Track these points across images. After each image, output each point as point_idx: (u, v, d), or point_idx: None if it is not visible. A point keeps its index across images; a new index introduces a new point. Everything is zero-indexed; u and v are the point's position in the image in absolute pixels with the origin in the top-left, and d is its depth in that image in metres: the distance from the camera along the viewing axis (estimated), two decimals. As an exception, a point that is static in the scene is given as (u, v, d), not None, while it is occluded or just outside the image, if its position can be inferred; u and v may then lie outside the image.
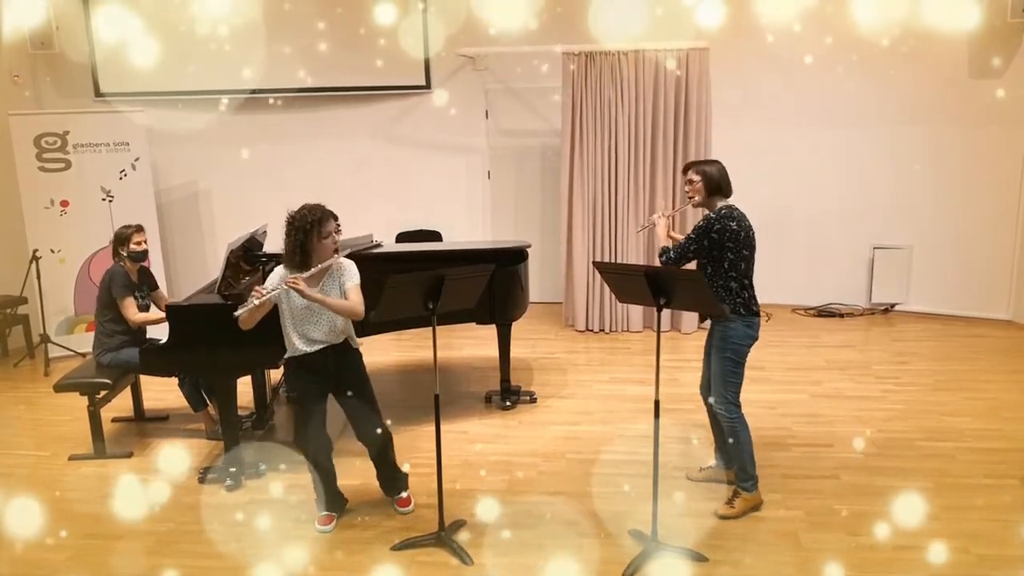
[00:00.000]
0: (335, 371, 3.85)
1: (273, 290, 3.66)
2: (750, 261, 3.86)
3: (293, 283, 3.58)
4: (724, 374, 3.88)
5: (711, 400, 3.98)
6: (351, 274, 3.80)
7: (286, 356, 3.87)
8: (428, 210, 7.78)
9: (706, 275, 3.83)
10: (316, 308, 3.72)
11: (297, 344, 3.79)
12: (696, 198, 3.90)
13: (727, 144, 6.92)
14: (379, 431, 3.97)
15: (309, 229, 3.65)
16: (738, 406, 3.91)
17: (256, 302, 3.61)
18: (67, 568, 3.69)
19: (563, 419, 5.24)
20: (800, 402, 5.40)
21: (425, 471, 4.33)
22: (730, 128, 7.09)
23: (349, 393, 3.89)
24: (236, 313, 3.67)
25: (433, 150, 7.78)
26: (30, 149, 6.57)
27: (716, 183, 3.87)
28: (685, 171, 3.98)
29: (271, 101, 7.58)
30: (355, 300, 3.74)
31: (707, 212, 3.90)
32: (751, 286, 3.87)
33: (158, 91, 7.45)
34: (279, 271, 3.77)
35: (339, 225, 3.78)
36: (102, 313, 4.84)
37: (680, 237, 4.06)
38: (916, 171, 7.20)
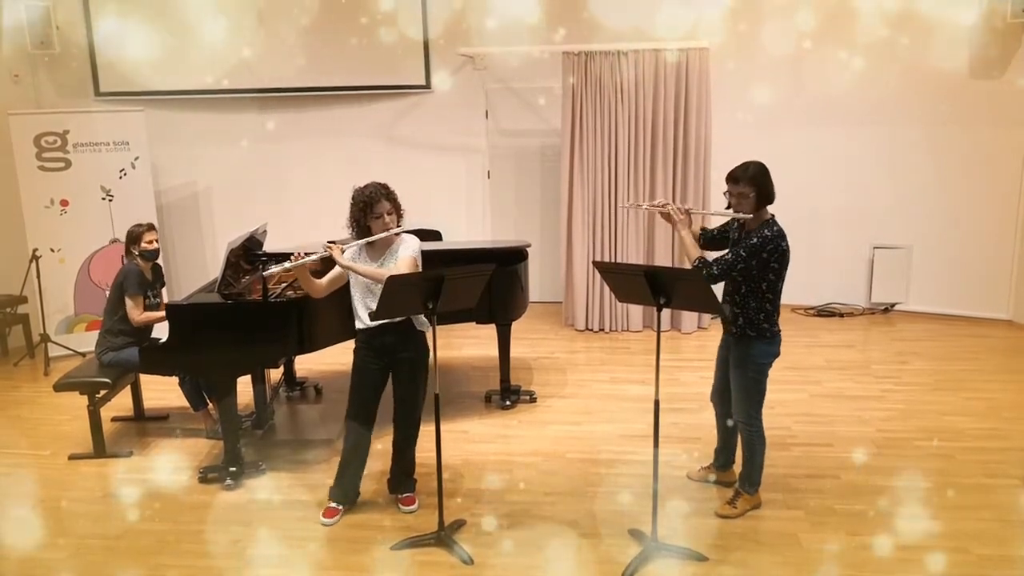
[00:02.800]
0: (393, 349, 3.90)
1: (308, 255, 3.78)
2: (783, 280, 3.75)
3: (328, 248, 3.73)
4: (747, 390, 3.82)
5: (734, 415, 3.93)
6: (408, 246, 3.88)
7: (356, 328, 3.95)
8: (428, 209, 7.75)
9: (738, 293, 3.72)
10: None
11: (362, 316, 3.87)
12: (743, 210, 3.64)
13: (726, 143, 6.92)
14: (410, 419, 4.04)
15: (363, 208, 3.78)
16: (760, 419, 3.88)
17: (287, 264, 3.74)
18: (67, 567, 3.69)
19: (563, 419, 5.24)
20: (800, 402, 5.40)
21: (425, 470, 4.32)
22: (730, 127, 7.09)
23: (401, 373, 3.96)
24: (266, 272, 3.83)
25: (433, 150, 7.78)
26: (30, 148, 6.57)
27: (767, 194, 3.64)
28: (733, 181, 3.65)
29: (271, 101, 7.58)
30: (398, 267, 3.78)
31: (754, 221, 3.69)
32: (778, 305, 3.78)
33: (158, 90, 7.45)
34: (353, 245, 3.87)
35: (397, 207, 3.85)
36: (113, 311, 4.84)
37: (696, 231, 3.96)
38: (916, 171, 7.20)
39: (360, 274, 3.78)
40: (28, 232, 6.62)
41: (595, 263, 4.04)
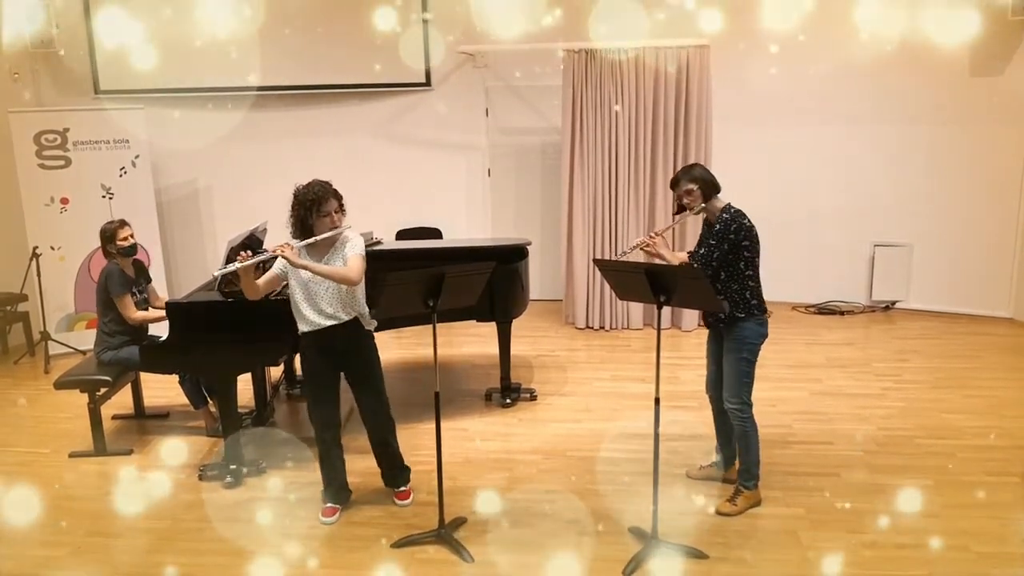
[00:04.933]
0: (343, 350, 3.88)
1: (261, 254, 3.72)
2: (759, 258, 3.86)
3: (281, 249, 3.63)
4: (740, 375, 3.86)
5: (726, 401, 3.95)
6: (354, 244, 3.82)
7: (300, 331, 3.89)
8: (428, 207, 7.77)
9: (719, 281, 3.79)
10: (320, 278, 3.75)
11: (308, 316, 3.81)
12: (696, 206, 3.83)
13: (727, 142, 6.92)
14: (381, 417, 4.03)
15: (309, 206, 3.71)
16: (751, 406, 3.91)
17: (238, 264, 3.66)
18: (67, 565, 3.69)
19: (563, 416, 5.24)
20: (800, 400, 5.40)
21: (426, 468, 4.33)
22: (730, 126, 7.09)
23: (357, 374, 3.94)
24: (216, 272, 3.74)
25: (433, 148, 7.77)
26: (30, 146, 6.57)
27: (711, 184, 3.83)
28: (675, 185, 3.88)
29: (271, 99, 7.57)
30: (351, 266, 3.73)
31: (712, 214, 3.84)
32: (760, 283, 3.88)
33: (158, 89, 7.45)
34: (300, 245, 3.81)
35: (342, 205, 3.81)
36: (103, 313, 4.84)
37: (684, 255, 4.02)
38: (917, 169, 7.20)
39: (317, 273, 3.68)
40: (28, 230, 6.62)
41: (596, 261, 4.06)
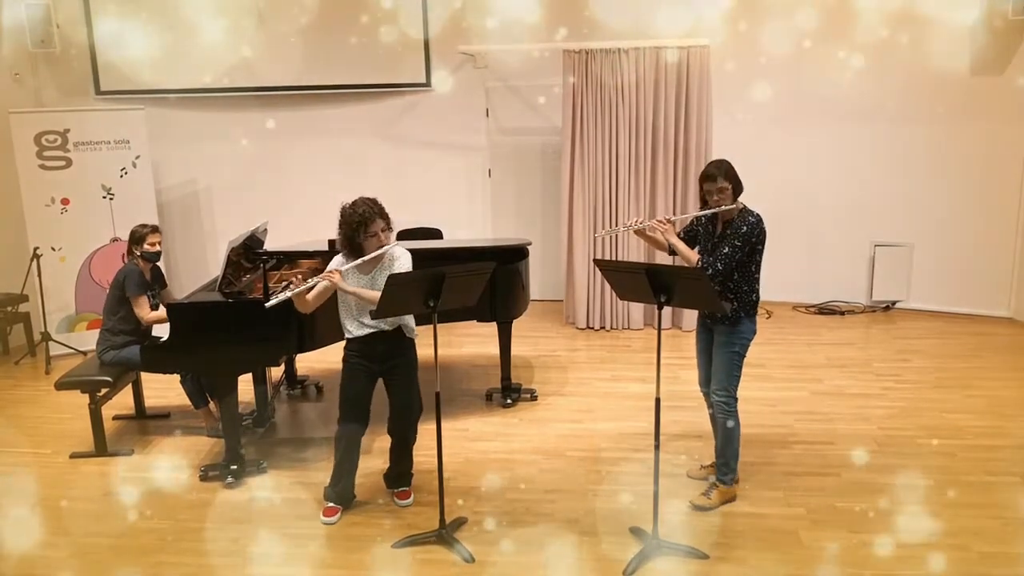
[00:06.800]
0: (384, 357, 3.93)
1: (310, 282, 3.79)
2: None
3: (328, 276, 3.73)
4: (732, 368, 3.91)
5: (713, 392, 3.98)
6: (400, 265, 3.87)
7: (345, 337, 3.96)
8: (429, 208, 7.77)
9: (732, 280, 3.82)
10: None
11: (350, 328, 3.91)
12: (726, 204, 3.79)
13: (727, 141, 6.91)
14: (407, 421, 4.06)
15: (356, 227, 3.76)
16: (737, 400, 3.95)
17: (289, 293, 3.75)
18: (68, 566, 3.69)
19: (564, 417, 5.24)
20: (801, 400, 5.40)
21: (426, 469, 4.33)
22: (730, 125, 7.09)
23: (395, 379, 3.99)
24: (268, 304, 3.79)
25: (434, 148, 7.77)
26: (31, 147, 6.57)
27: (739, 184, 3.83)
28: (710, 180, 3.79)
29: (271, 99, 7.57)
30: None
31: (730, 214, 3.83)
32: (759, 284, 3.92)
33: (159, 89, 7.45)
34: (337, 258, 3.88)
35: (388, 224, 3.86)
36: (113, 311, 4.84)
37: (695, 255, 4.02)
38: (917, 169, 7.20)
39: (361, 299, 3.78)
40: (29, 231, 6.62)
41: (596, 261, 4.06)
